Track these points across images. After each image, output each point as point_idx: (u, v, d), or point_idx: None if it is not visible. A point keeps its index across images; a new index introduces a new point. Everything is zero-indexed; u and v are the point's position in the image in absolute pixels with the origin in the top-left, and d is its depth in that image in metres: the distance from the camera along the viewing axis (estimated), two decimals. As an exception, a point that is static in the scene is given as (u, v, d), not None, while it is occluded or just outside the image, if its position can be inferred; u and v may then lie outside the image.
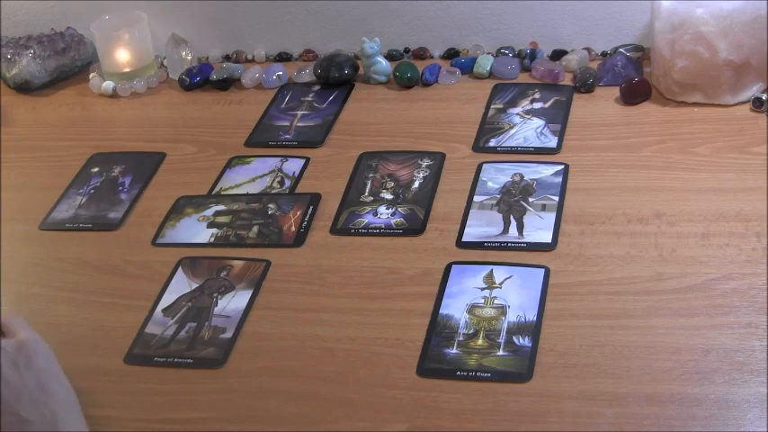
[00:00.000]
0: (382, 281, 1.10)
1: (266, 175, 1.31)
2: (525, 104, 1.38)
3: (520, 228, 1.14)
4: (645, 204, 1.15)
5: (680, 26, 1.29)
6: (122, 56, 1.55)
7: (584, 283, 1.05)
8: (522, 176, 1.23)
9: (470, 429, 0.91)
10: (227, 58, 1.61)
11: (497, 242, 1.13)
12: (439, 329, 1.02)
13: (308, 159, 1.33)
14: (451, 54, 1.53)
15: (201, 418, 0.96)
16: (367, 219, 1.20)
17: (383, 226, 1.18)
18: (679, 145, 1.25)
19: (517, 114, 1.36)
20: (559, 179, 1.21)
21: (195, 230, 1.22)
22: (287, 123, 1.42)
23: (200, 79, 1.53)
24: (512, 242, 1.13)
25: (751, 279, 1.03)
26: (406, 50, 1.55)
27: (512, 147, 1.30)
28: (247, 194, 1.27)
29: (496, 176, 1.24)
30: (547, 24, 1.48)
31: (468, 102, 1.41)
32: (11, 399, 0.84)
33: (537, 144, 1.29)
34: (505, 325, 1.01)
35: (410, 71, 1.46)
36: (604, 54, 1.47)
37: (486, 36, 1.51)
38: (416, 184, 1.25)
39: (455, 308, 1.04)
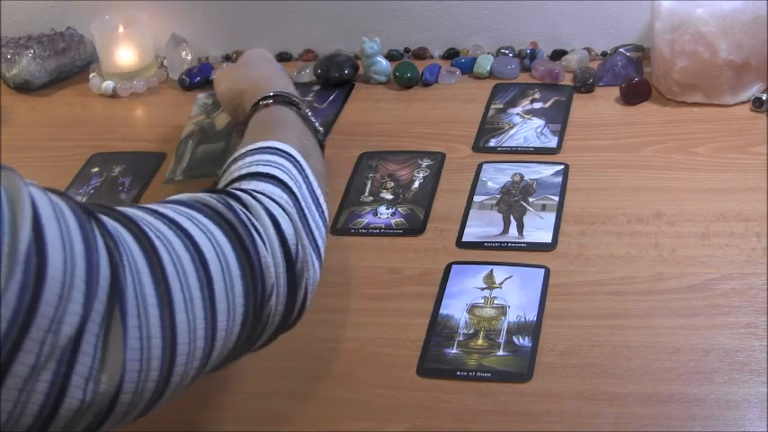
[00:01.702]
0: (382, 281, 1.10)
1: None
2: (525, 104, 1.38)
3: (520, 228, 1.14)
4: (645, 204, 1.15)
5: (680, 26, 1.29)
6: (122, 56, 1.55)
7: (584, 283, 1.05)
8: (522, 176, 1.23)
9: (470, 429, 0.91)
10: (227, 58, 1.61)
11: (497, 242, 1.13)
12: (439, 329, 1.02)
13: (308, 159, 1.33)
14: (451, 54, 1.53)
15: (202, 419, 0.96)
16: (367, 219, 1.20)
17: (383, 226, 1.18)
18: (679, 145, 1.25)
19: (517, 114, 1.36)
20: (559, 179, 1.21)
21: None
22: (287, 123, 1.42)
23: (200, 79, 1.53)
24: (512, 242, 1.13)
25: (751, 279, 1.03)
26: (406, 50, 1.55)
27: (512, 147, 1.30)
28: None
29: (496, 176, 1.24)
30: (547, 24, 1.48)
31: (468, 102, 1.41)
32: None
33: (537, 144, 1.29)
34: (505, 325, 1.01)
35: (410, 71, 1.46)
36: (604, 54, 1.47)
37: (486, 36, 1.51)
38: (416, 184, 1.25)
39: (455, 308, 1.04)
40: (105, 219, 0.68)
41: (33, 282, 0.57)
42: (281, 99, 1.07)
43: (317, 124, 1.09)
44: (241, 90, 1.15)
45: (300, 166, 0.91)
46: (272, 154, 0.90)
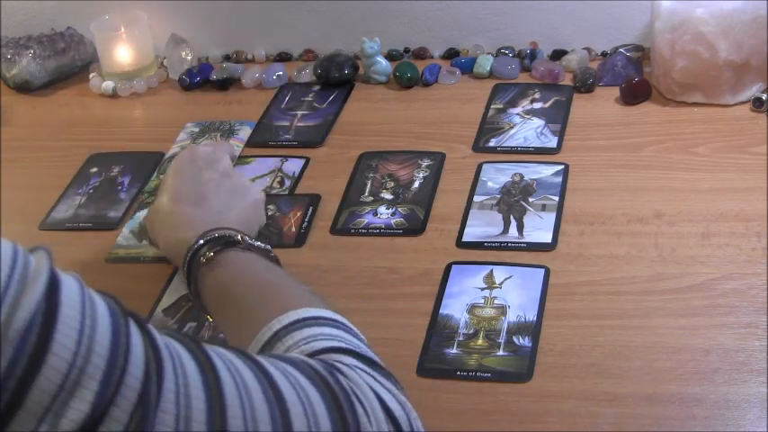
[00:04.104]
0: (382, 281, 1.10)
1: (266, 175, 1.31)
2: (525, 104, 1.38)
3: (520, 228, 1.14)
4: (645, 204, 1.15)
5: (680, 26, 1.29)
6: (122, 56, 1.55)
7: (584, 283, 1.05)
8: (522, 176, 1.23)
9: (470, 429, 0.91)
10: (227, 58, 1.61)
11: (497, 242, 1.13)
12: (439, 329, 1.02)
13: (307, 159, 1.33)
14: (451, 54, 1.53)
15: None
16: (367, 219, 1.20)
17: (383, 226, 1.18)
18: (679, 145, 1.25)
19: (517, 114, 1.36)
20: (559, 179, 1.21)
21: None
22: (287, 123, 1.42)
23: (200, 79, 1.53)
24: (512, 242, 1.13)
25: (751, 279, 1.03)
26: (406, 50, 1.55)
27: (512, 147, 1.30)
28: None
29: (496, 176, 1.24)
30: (547, 24, 1.48)
31: (468, 102, 1.41)
32: None
33: (537, 144, 1.29)
34: (505, 325, 1.01)
35: (410, 71, 1.46)
36: (604, 54, 1.47)
37: (486, 36, 1.51)
38: (416, 184, 1.25)
39: (455, 308, 1.04)
40: (156, 332, 0.63)
41: (26, 362, 0.56)
42: (221, 242, 0.96)
43: (262, 245, 1.00)
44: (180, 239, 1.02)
45: (353, 331, 0.83)
46: (324, 325, 0.80)
